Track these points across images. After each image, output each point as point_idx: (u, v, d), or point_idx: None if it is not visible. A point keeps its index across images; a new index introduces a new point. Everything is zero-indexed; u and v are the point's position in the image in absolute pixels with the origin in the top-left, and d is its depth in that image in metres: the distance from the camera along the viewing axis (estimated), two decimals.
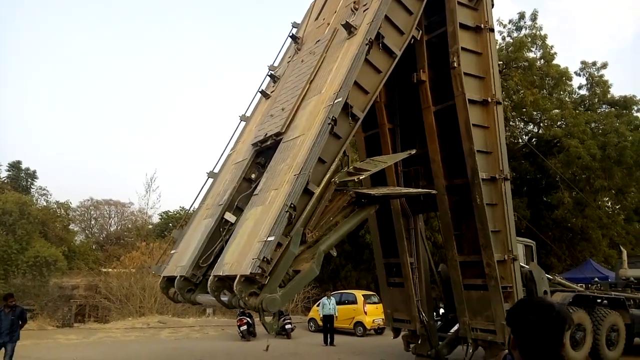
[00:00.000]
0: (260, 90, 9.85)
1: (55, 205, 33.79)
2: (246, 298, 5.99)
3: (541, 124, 27.67)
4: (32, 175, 36.12)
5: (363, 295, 21.17)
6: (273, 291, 6.11)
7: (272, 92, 9.75)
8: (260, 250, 5.98)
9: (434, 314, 12.68)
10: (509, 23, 27.21)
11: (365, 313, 20.17)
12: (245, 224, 7.00)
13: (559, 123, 26.35)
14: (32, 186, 35.75)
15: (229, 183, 8.36)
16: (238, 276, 6.01)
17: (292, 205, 6.22)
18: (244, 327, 18.01)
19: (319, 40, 9.50)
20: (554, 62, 26.87)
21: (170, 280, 7.83)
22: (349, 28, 8.36)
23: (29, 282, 27.58)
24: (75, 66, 75.19)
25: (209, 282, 6.62)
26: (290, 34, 10.58)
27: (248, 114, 9.96)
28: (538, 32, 26.57)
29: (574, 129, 24.92)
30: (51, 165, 62.48)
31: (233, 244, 6.82)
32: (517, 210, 23.50)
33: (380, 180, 11.90)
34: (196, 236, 7.93)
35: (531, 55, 26.51)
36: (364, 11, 8.83)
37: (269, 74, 10.10)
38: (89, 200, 38.50)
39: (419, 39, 8.83)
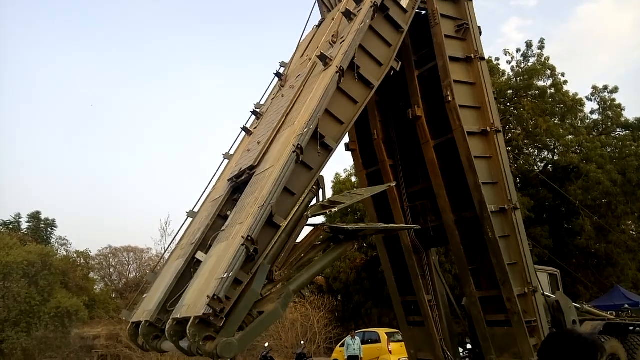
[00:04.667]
0: (243, 127, 9.42)
1: (75, 255, 33.70)
2: (201, 343, 5.29)
3: (556, 151, 26.91)
4: (52, 225, 36.44)
5: (387, 333, 20.25)
6: (231, 335, 5.37)
7: (254, 128, 9.32)
8: (215, 288, 5.32)
9: (460, 349, 11.82)
10: (517, 52, 26.95)
11: (390, 352, 19.20)
12: (209, 261, 6.36)
13: (573, 149, 25.54)
14: (51, 236, 36.06)
15: (204, 221, 7.79)
16: (192, 318, 5.34)
17: (249, 238, 5.55)
18: None
19: (299, 75, 9.13)
20: (565, 88, 26.37)
21: (138, 326, 7.16)
22: (325, 59, 7.93)
23: (51, 333, 27.11)
24: (81, 113, 76.74)
25: (167, 327, 5.94)
26: (276, 72, 10.25)
27: (232, 152, 9.51)
28: (546, 62, 26.21)
29: (591, 154, 24.18)
30: (69, 213, 63.00)
31: (195, 283, 6.16)
32: (539, 240, 22.77)
33: (387, 216, 11.43)
34: (166, 278, 7.30)
35: (541, 83, 26.12)
36: (341, 43, 8.43)
37: (252, 111, 9.71)
38: (107, 248, 38.52)
39: (398, 69, 8.35)
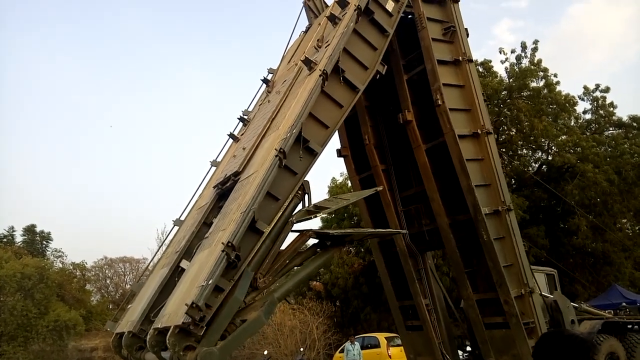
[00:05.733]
0: (229, 134, 9.32)
1: (72, 267, 33.45)
2: (181, 353, 5.14)
3: (550, 151, 26.90)
4: (47, 238, 36.12)
5: (386, 338, 20.15)
6: (212, 344, 5.22)
7: (241, 134, 9.23)
8: (194, 296, 5.19)
9: (460, 352, 11.76)
10: (511, 53, 27.01)
11: (390, 357, 19.05)
12: (191, 269, 6.22)
13: (567, 148, 25.53)
14: (47, 249, 35.74)
15: (189, 229, 7.66)
16: (172, 327, 5.20)
17: (230, 244, 5.42)
18: None
19: (285, 81, 9.05)
20: (557, 88, 26.39)
21: (122, 337, 7.01)
22: (309, 64, 7.85)
23: (48, 347, 26.85)
24: (75, 123, 76.48)
25: (148, 337, 5.80)
26: (263, 78, 10.18)
27: (220, 159, 9.41)
28: (539, 63, 26.27)
29: (587, 152, 24.18)
30: (64, 225, 62.49)
31: (177, 292, 6.02)
32: (535, 240, 22.72)
33: (382, 220, 11.38)
34: (150, 287, 7.16)
35: (534, 84, 26.15)
36: (326, 47, 8.36)
37: (240, 117, 9.62)
38: (103, 259, 38.20)
39: (383, 73, 8.27)
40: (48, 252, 35.32)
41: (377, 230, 10.05)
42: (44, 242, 35.71)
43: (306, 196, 6.74)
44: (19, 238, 35.73)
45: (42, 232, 36.82)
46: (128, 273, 39.08)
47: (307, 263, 6.57)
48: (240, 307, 5.67)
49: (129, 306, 7.64)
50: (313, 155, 6.88)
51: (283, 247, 6.45)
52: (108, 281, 39.25)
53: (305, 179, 6.75)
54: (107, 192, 69.18)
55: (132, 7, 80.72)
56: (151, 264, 9.12)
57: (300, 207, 6.69)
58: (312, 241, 6.88)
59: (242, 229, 5.64)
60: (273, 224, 6.13)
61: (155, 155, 79.55)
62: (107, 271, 38.91)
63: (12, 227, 35.86)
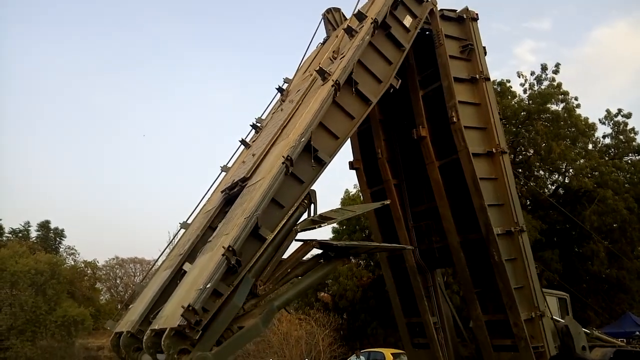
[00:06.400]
0: (241, 140, 9.35)
1: (83, 265, 33.75)
2: (175, 356, 5.09)
3: (567, 174, 26.54)
4: (61, 234, 36.72)
5: (392, 354, 19.90)
6: (207, 349, 5.17)
7: (252, 141, 9.25)
8: (193, 299, 5.16)
9: None
10: (531, 75, 26.78)
11: None
12: (192, 272, 6.21)
13: (584, 172, 25.15)
14: (60, 245, 36.23)
15: (194, 232, 7.67)
16: (167, 329, 5.17)
17: (230, 249, 5.39)
18: None
19: (299, 90, 9.07)
20: (577, 111, 26.13)
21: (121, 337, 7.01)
22: (323, 74, 7.84)
23: (56, 343, 27.00)
24: (93, 123, 77.56)
25: (144, 338, 5.78)
26: (278, 87, 10.21)
27: (230, 165, 9.43)
28: (560, 86, 26.02)
29: (605, 178, 23.81)
30: (78, 223, 63.34)
31: (176, 294, 6.01)
32: (548, 263, 22.37)
33: (392, 236, 11.27)
34: (152, 289, 7.16)
35: (554, 107, 25.91)
36: (341, 59, 8.36)
37: (252, 124, 9.65)
38: (114, 258, 38.57)
39: (397, 87, 8.22)
40: (61, 249, 35.84)
41: (383, 244, 9.97)
42: (58, 239, 36.24)
43: (312, 205, 6.69)
44: (33, 233, 36.44)
45: (56, 228, 37.51)
46: (138, 274, 39.39)
47: (309, 273, 6.50)
48: (239, 313, 5.62)
49: (130, 306, 7.66)
50: (321, 164, 6.84)
51: (286, 255, 6.39)
52: (118, 281, 39.59)
53: (312, 188, 6.72)
54: (124, 192, 70.14)
55: (165, 20, 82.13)
56: (156, 265, 9.14)
57: (305, 216, 6.64)
58: (316, 251, 6.83)
59: (244, 234, 5.61)
60: (276, 232, 6.09)
61: (176, 159, 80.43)
62: (117, 271, 39.25)
63: (28, 223, 36.56)
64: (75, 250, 37.14)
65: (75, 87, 77.10)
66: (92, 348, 29.20)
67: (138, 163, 78.48)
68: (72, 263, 34.29)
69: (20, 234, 35.07)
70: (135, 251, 71.73)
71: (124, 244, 74.17)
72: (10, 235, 34.75)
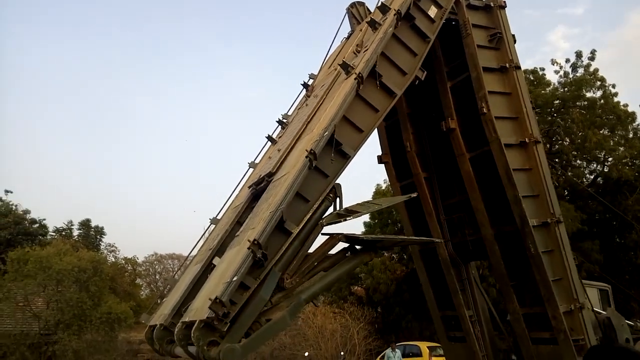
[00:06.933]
0: (267, 136, 9.45)
1: (123, 261, 34.78)
2: (205, 347, 5.23)
3: (606, 163, 25.70)
4: (101, 232, 37.80)
5: (428, 347, 19.80)
6: (236, 340, 5.27)
7: (279, 137, 9.34)
8: (220, 292, 5.28)
9: None
10: (566, 62, 26.03)
11: None
12: (220, 266, 6.33)
13: (624, 161, 24.31)
14: (100, 243, 37.42)
15: (223, 227, 7.82)
16: (197, 322, 5.31)
17: (256, 242, 5.48)
18: None
19: (323, 85, 9.10)
20: (615, 99, 25.24)
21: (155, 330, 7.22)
22: (347, 68, 7.85)
23: (100, 337, 27.94)
24: (127, 123, 79.29)
25: (176, 331, 5.94)
26: (303, 83, 10.26)
27: (258, 161, 9.55)
28: (596, 73, 25.17)
29: None
30: (118, 221, 65.37)
31: (205, 288, 6.15)
32: (589, 254, 21.80)
33: (423, 229, 11.19)
34: (184, 282, 7.35)
35: (590, 94, 25.11)
36: (364, 52, 8.35)
37: (278, 120, 9.73)
38: (153, 255, 39.69)
39: (423, 79, 8.13)
40: (102, 246, 37.05)
41: (410, 237, 9.91)
42: (98, 237, 37.47)
43: (337, 199, 6.71)
44: (75, 232, 37.63)
45: (96, 226, 38.49)
46: (176, 269, 40.44)
47: (336, 267, 6.53)
48: (266, 306, 5.71)
49: (164, 300, 7.88)
50: (345, 158, 6.84)
51: (312, 249, 6.45)
52: (157, 276, 40.68)
53: (337, 182, 6.74)
54: (162, 191, 71.82)
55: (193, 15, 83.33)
56: (187, 260, 9.38)
57: (331, 210, 6.67)
58: (343, 245, 6.85)
59: (269, 228, 5.68)
60: (302, 225, 6.14)
61: (216, 155, 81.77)
62: (156, 266, 40.35)
63: (71, 221, 37.83)
64: (116, 248, 38.41)
65: (107, 87, 79.42)
66: (134, 342, 30.04)
67: (174, 160, 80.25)
68: (113, 260, 35.41)
69: (63, 233, 36.41)
70: (173, 247, 73.59)
71: (162, 240, 76.16)
72: (54, 234, 36.12)
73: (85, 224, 37.58)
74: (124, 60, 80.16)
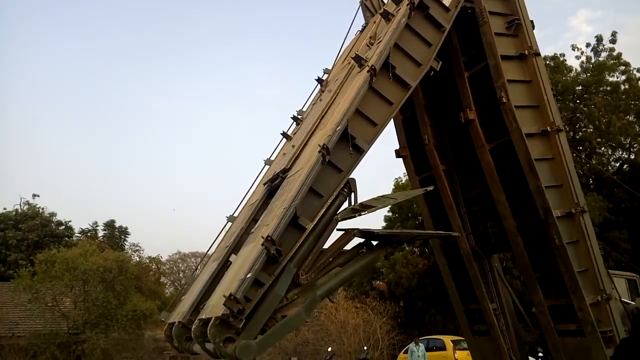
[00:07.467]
0: (282, 132, 9.42)
1: (148, 260, 35.33)
2: (221, 344, 5.22)
3: (632, 149, 25.03)
4: (125, 232, 38.49)
5: (452, 341, 19.61)
6: (251, 337, 5.25)
7: (293, 134, 9.30)
8: (235, 289, 5.27)
9: (531, 358, 11.33)
10: (587, 47, 25.37)
11: None
12: (236, 263, 6.33)
13: None
14: (125, 242, 38.07)
15: (239, 224, 7.83)
16: (212, 319, 5.31)
17: (269, 238, 5.44)
18: None
19: (337, 79, 9.02)
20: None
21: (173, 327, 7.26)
22: (359, 61, 7.74)
23: (127, 335, 28.43)
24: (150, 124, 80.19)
25: (193, 328, 5.96)
26: (317, 78, 10.19)
27: (273, 158, 9.53)
28: (619, 56, 24.48)
29: None
30: (141, 221, 66.41)
31: (221, 285, 6.16)
32: (617, 244, 21.28)
33: (443, 222, 11.06)
34: (202, 280, 7.38)
35: (613, 79, 24.42)
36: (378, 44, 8.23)
37: (293, 116, 9.69)
38: (176, 253, 40.23)
39: (438, 69, 7.97)
40: (126, 246, 37.71)
41: (426, 232, 9.79)
42: (122, 237, 38.15)
43: (352, 194, 6.63)
44: (100, 232, 38.36)
45: (120, 227, 39.12)
46: (199, 267, 40.87)
47: (352, 262, 6.46)
48: (282, 302, 5.68)
49: (182, 297, 7.92)
50: (359, 152, 6.74)
51: (327, 245, 6.39)
52: (181, 274, 41.24)
53: (352, 176, 6.66)
54: (186, 190, 72.68)
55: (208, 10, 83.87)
56: (205, 257, 9.44)
57: (345, 205, 6.59)
58: (359, 240, 6.78)
59: (283, 224, 5.64)
60: (316, 221, 6.08)
61: (238, 154, 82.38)
62: (180, 265, 40.85)
63: (96, 222, 38.58)
64: (140, 247, 39.13)
65: (130, 87, 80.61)
66: (159, 339, 30.42)
67: (197, 161, 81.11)
68: (138, 259, 36.06)
69: (88, 234, 37.15)
70: (197, 246, 74.51)
71: (185, 239, 77.18)
72: (79, 235, 36.87)
73: (109, 225, 38.36)
74: (145, 61, 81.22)
